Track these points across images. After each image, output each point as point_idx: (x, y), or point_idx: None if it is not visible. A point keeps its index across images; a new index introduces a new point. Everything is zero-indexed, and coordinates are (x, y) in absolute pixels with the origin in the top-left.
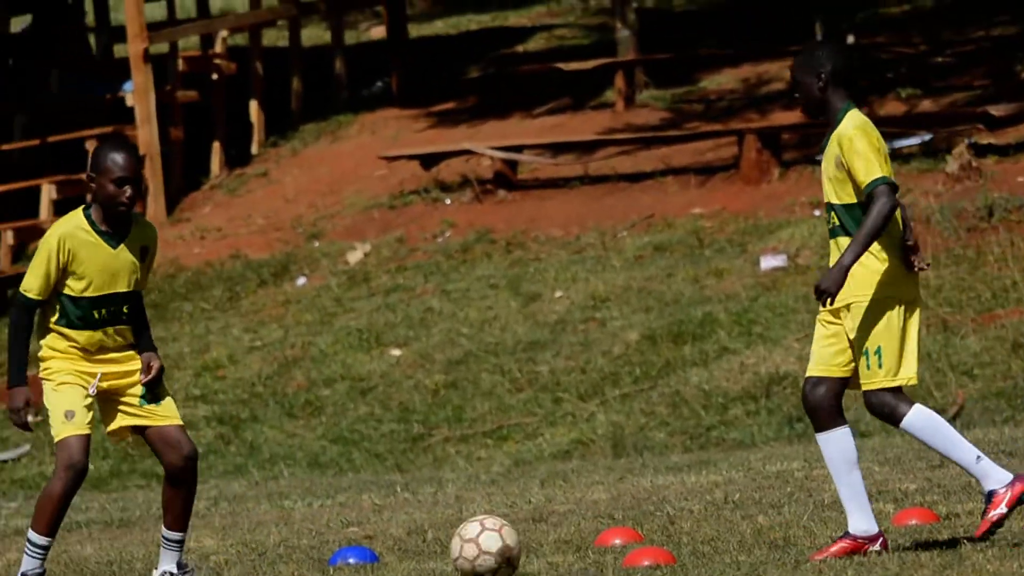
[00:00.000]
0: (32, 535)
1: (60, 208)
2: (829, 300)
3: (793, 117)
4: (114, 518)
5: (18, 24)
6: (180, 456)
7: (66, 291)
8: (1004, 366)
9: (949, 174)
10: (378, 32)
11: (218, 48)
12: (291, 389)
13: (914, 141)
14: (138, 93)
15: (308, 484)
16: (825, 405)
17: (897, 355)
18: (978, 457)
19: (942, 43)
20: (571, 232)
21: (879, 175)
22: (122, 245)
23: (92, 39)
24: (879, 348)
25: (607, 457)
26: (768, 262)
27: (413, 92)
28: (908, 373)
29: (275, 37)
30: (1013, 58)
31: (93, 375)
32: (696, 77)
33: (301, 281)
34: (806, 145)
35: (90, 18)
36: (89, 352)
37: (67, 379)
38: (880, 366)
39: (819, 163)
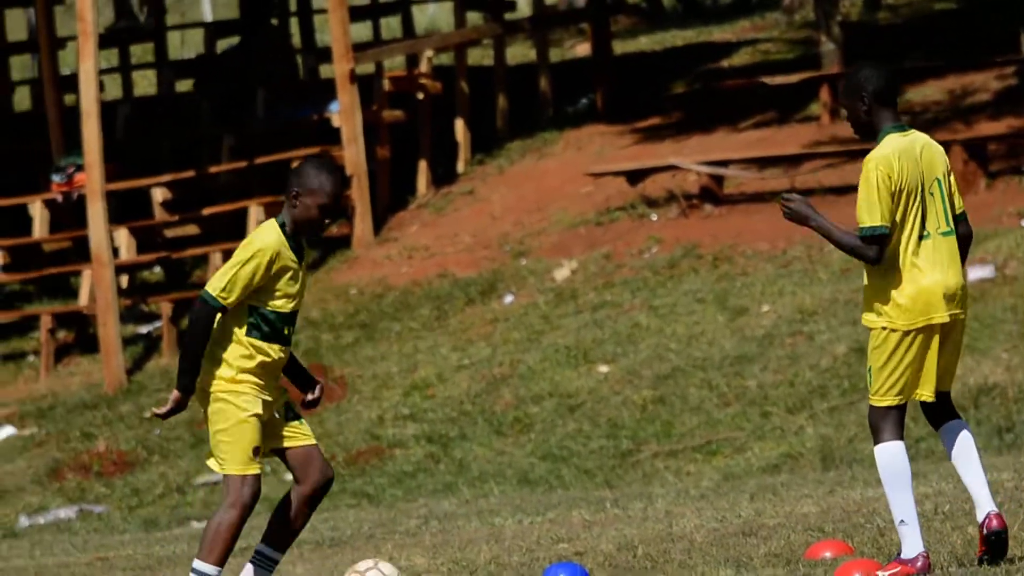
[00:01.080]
0: (204, 566)
1: None
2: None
3: (999, 127)
4: (325, 538)
5: (224, 46)
6: (324, 476)
7: (267, 307)
8: None
9: None
10: (583, 49)
11: (423, 68)
12: (500, 407)
13: None
14: (344, 113)
15: (518, 501)
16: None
17: (885, 377)
18: (902, 521)
19: None
20: (778, 246)
21: (867, 224)
22: (303, 264)
23: (299, 60)
24: (870, 367)
25: (816, 470)
26: (975, 273)
27: (618, 108)
28: (893, 398)
29: (480, 56)
30: None
31: (269, 402)
32: (901, 89)
33: (508, 299)
34: (1013, 156)
35: (296, 40)
36: (272, 370)
37: (257, 411)
38: (870, 383)
39: None
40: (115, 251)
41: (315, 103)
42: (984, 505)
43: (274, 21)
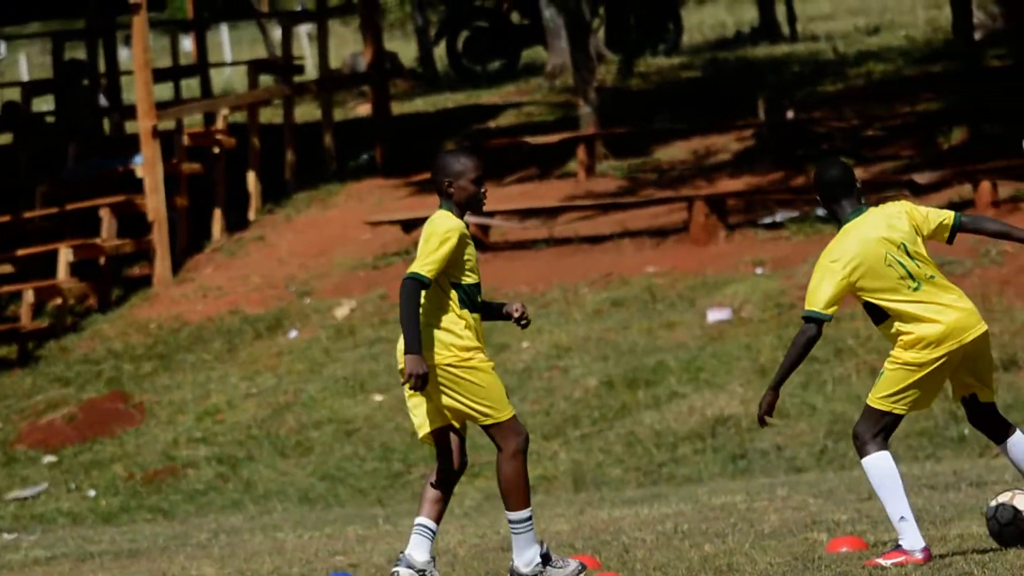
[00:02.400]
0: (520, 514)
1: (76, 270)
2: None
3: (738, 184)
4: (123, 549)
5: (39, 105)
6: (463, 463)
7: (464, 280)
8: (926, 408)
9: None
10: (364, 109)
11: (219, 124)
12: (283, 431)
13: None
14: (147, 165)
15: (299, 517)
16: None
17: (887, 390)
18: (902, 518)
19: (872, 117)
20: (537, 289)
21: (807, 309)
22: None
23: (106, 117)
24: (882, 373)
25: (568, 492)
26: (714, 315)
27: (395, 163)
28: (891, 406)
29: (271, 114)
30: (936, 131)
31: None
32: (650, 149)
33: (293, 334)
34: (750, 210)
35: (104, 98)
36: (477, 336)
37: (491, 364)
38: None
39: (761, 226)
40: None
41: (121, 156)
42: None
43: (85, 82)
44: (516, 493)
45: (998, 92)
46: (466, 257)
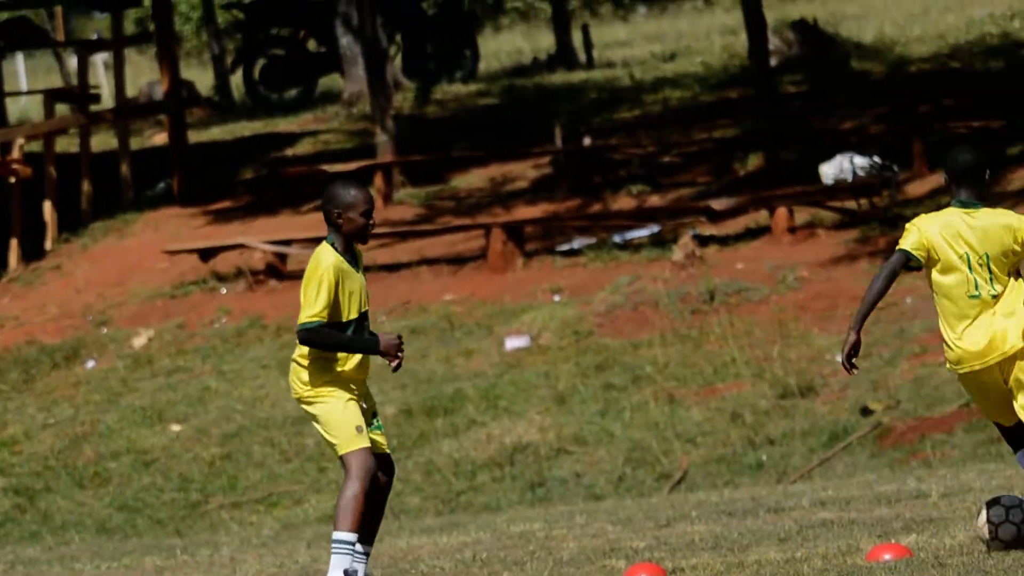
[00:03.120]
0: (342, 535)
1: None
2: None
3: (536, 212)
4: None
5: None
6: (387, 483)
7: (340, 318)
8: (724, 434)
9: (675, 262)
10: (161, 138)
11: (15, 154)
12: (81, 462)
13: (643, 233)
14: None
15: (96, 548)
16: None
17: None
18: None
19: (669, 144)
20: None
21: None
22: (360, 269)
23: None
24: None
25: None
26: (512, 343)
27: (192, 192)
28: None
29: (67, 144)
30: (732, 157)
31: (357, 398)
32: (448, 176)
33: (90, 364)
34: (548, 237)
35: None
36: (354, 371)
37: (352, 397)
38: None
39: (558, 253)
40: None
41: None
42: None
43: None
44: (344, 514)
45: (794, 118)
46: (343, 298)
